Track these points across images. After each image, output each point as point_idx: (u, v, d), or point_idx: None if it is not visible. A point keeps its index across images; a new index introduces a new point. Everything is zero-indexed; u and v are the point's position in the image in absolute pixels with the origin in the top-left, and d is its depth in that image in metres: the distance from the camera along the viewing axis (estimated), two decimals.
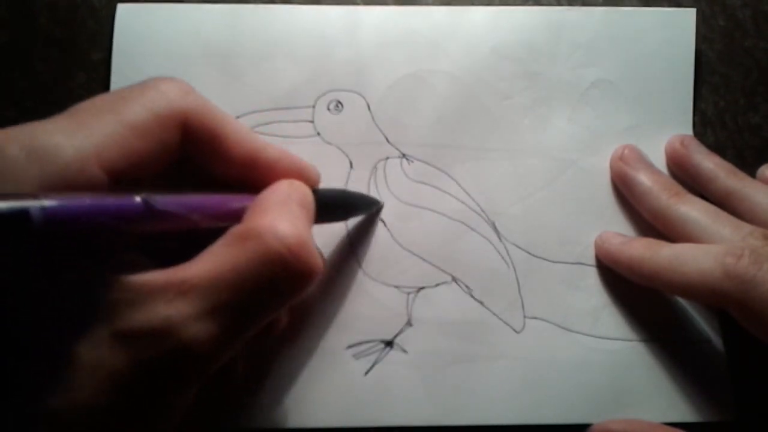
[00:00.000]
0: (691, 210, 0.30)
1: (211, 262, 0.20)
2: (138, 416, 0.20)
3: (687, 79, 0.34)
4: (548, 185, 0.33)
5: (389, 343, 0.31)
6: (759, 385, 0.32)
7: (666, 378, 0.31)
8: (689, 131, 0.34)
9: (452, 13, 0.34)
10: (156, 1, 0.34)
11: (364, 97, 0.33)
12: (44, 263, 0.20)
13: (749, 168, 0.33)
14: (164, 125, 0.22)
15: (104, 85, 0.33)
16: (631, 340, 0.32)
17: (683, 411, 0.31)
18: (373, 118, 0.33)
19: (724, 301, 0.27)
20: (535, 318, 0.32)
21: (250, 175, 0.25)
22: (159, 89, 0.23)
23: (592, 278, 0.32)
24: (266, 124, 0.33)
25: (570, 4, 0.35)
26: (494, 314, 0.32)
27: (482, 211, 0.33)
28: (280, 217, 0.22)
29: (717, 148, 0.33)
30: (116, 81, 0.33)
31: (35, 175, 0.20)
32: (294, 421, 0.30)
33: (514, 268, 0.32)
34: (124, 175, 0.21)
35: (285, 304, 0.22)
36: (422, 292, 0.32)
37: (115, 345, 0.19)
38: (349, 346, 0.31)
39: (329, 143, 0.33)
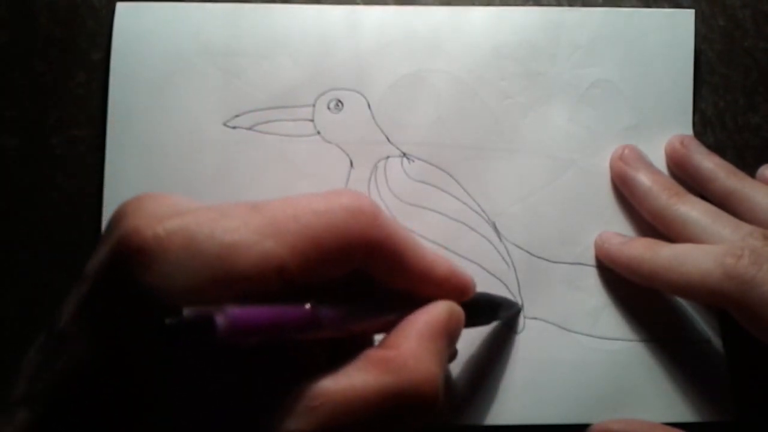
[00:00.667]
0: (691, 210, 0.30)
1: (343, 383, 0.20)
2: None
3: (687, 79, 0.34)
4: (548, 185, 0.33)
5: None
6: (759, 385, 0.32)
7: (666, 378, 0.31)
8: (689, 131, 0.34)
9: (452, 13, 0.34)
10: (156, 1, 0.34)
11: (364, 96, 0.33)
12: (221, 371, 0.20)
13: (749, 168, 0.33)
14: (349, 249, 0.21)
15: (104, 85, 0.33)
16: (630, 340, 0.32)
17: (683, 411, 0.31)
18: (373, 117, 0.33)
19: (724, 301, 0.27)
20: (535, 318, 0.32)
21: (418, 290, 0.24)
22: (353, 212, 0.22)
23: (592, 278, 0.32)
24: (266, 122, 0.33)
25: (570, 5, 0.35)
26: None
27: (482, 210, 0.33)
28: (420, 351, 0.22)
29: (717, 148, 0.33)
30: (115, 80, 0.33)
31: (222, 272, 0.19)
32: None
33: (514, 268, 0.32)
34: (295, 285, 0.21)
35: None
36: None
37: None
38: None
39: (329, 142, 0.33)
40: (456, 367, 0.31)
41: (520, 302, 0.32)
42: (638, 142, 0.33)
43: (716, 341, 0.32)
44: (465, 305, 0.25)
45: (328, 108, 0.33)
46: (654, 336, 0.32)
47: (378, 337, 0.23)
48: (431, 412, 0.22)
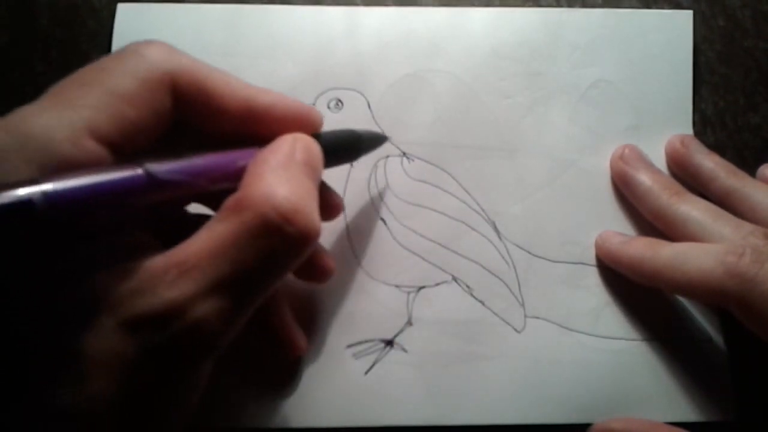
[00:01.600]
0: (692, 209, 0.30)
1: (209, 239, 0.20)
2: (153, 400, 0.20)
3: (686, 79, 0.34)
4: (548, 185, 0.33)
5: (389, 343, 0.31)
6: (760, 385, 0.32)
7: (667, 377, 0.31)
8: (689, 131, 0.34)
9: (452, 14, 0.34)
10: (156, 1, 0.34)
11: (364, 96, 0.33)
12: (48, 251, 0.19)
13: (749, 168, 0.33)
14: (152, 89, 0.22)
15: None
16: (631, 340, 0.32)
17: (684, 410, 0.31)
18: (373, 116, 0.33)
19: (725, 300, 0.27)
20: (536, 317, 0.32)
21: (250, 127, 0.24)
22: (141, 54, 0.22)
23: (592, 278, 0.32)
24: None
25: (569, 5, 0.35)
26: (495, 314, 0.32)
27: (482, 210, 0.33)
28: (276, 181, 0.21)
29: (717, 148, 0.33)
30: None
31: (30, 158, 0.19)
32: (294, 421, 0.30)
33: (514, 267, 0.32)
34: (121, 147, 0.21)
35: (287, 271, 0.22)
36: (422, 291, 0.32)
37: (122, 334, 0.19)
38: (349, 346, 0.31)
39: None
40: (456, 367, 0.31)
41: (520, 301, 0.32)
42: (638, 142, 0.33)
43: (717, 340, 0.32)
44: (323, 145, 0.24)
45: (328, 108, 0.33)
46: (655, 335, 0.32)
47: None
48: (308, 235, 0.21)
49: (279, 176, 0.22)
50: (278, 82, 0.33)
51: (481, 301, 0.32)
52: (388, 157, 0.33)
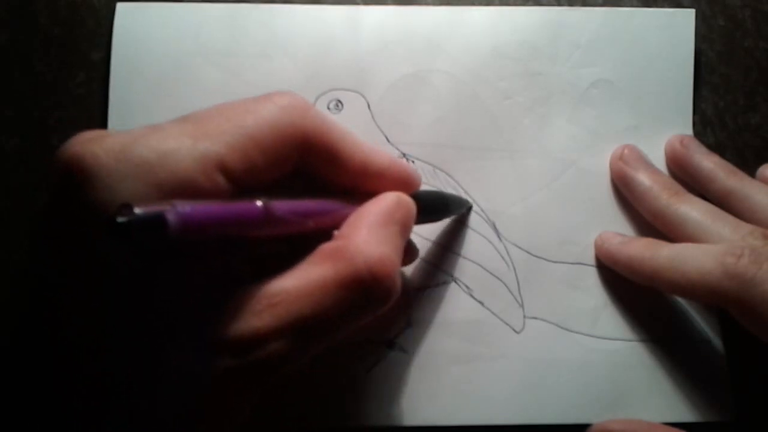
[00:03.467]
0: (691, 210, 0.30)
1: (299, 278, 0.21)
2: (212, 422, 0.21)
3: (687, 79, 0.34)
4: (548, 185, 0.33)
5: (389, 343, 0.31)
6: (758, 385, 0.32)
7: (665, 378, 0.31)
8: (689, 131, 0.34)
9: (452, 13, 0.34)
10: (156, 1, 0.34)
11: (364, 97, 0.33)
12: (171, 268, 0.20)
13: (749, 168, 0.33)
14: (285, 144, 0.23)
15: (104, 85, 0.33)
16: (630, 340, 0.32)
17: (683, 411, 0.31)
18: (373, 117, 0.33)
19: (724, 300, 0.27)
20: (535, 318, 0.32)
21: (361, 183, 0.25)
22: (280, 106, 0.23)
23: (591, 278, 0.32)
24: None
25: (570, 4, 0.35)
26: (494, 314, 0.32)
27: (482, 210, 0.33)
28: (371, 237, 0.22)
29: (717, 148, 0.33)
30: (116, 80, 0.33)
31: (163, 177, 0.20)
32: (294, 421, 0.30)
33: (514, 268, 0.32)
34: (243, 184, 0.22)
35: (360, 323, 0.23)
36: (422, 292, 0.32)
37: (207, 353, 0.20)
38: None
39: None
40: (456, 367, 0.31)
41: (520, 302, 0.32)
42: (638, 142, 0.33)
43: (716, 341, 0.32)
44: (415, 201, 0.25)
45: (328, 108, 0.33)
46: (654, 336, 0.32)
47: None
48: (389, 296, 0.22)
49: (377, 234, 0.23)
50: (278, 82, 0.33)
51: (480, 302, 0.32)
52: None
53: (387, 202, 0.24)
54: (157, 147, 0.20)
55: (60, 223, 0.20)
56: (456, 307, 0.32)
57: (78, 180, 0.20)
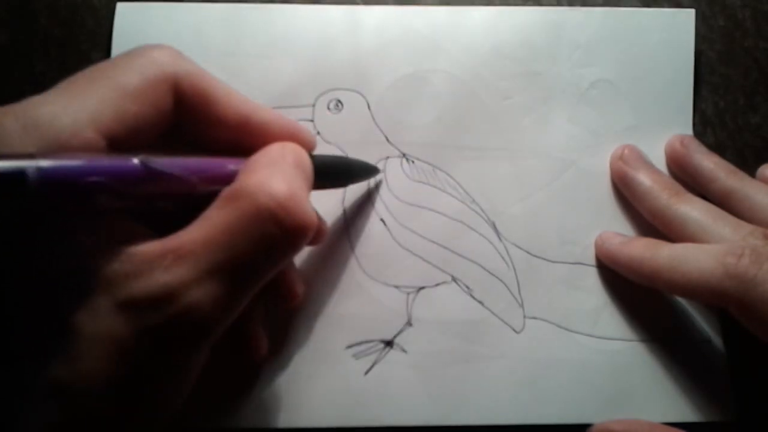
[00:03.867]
0: (692, 210, 0.30)
1: (205, 226, 0.21)
2: (145, 383, 0.20)
3: (687, 79, 0.34)
4: (548, 185, 0.33)
5: (389, 343, 0.31)
6: (759, 385, 0.32)
7: (666, 378, 0.31)
8: (689, 131, 0.34)
9: (452, 13, 0.34)
10: (156, 1, 0.34)
11: (364, 97, 0.33)
12: (42, 227, 0.20)
13: (749, 168, 0.33)
14: (156, 89, 0.23)
15: None
16: (631, 340, 0.32)
17: (683, 411, 0.31)
18: (373, 117, 0.33)
19: (725, 300, 0.27)
20: (535, 318, 0.32)
21: (245, 139, 0.25)
22: (149, 56, 0.23)
23: (592, 278, 0.32)
24: None
25: (570, 4, 0.35)
26: (494, 314, 0.32)
27: (482, 210, 0.33)
28: (271, 175, 0.22)
29: (717, 148, 0.33)
30: None
31: (31, 144, 0.20)
32: (294, 421, 0.30)
33: (514, 268, 0.32)
34: (121, 141, 0.22)
35: (283, 261, 0.22)
36: (422, 291, 0.32)
37: (117, 314, 0.19)
38: (349, 346, 0.31)
39: (329, 142, 0.33)
40: (456, 367, 0.31)
41: (520, 302, 0.32)
42: (638, 142, 0.33)
43: (717, 341, 0.32)
44: (316, 165, 0.25)
45: (328, 108, 0.33)
46: (654, 336, 0.32)
47: None
48: (305, 226, 0.22)
49: (272, 170, 0.22)
50: (278, 82, 0.33)
51: (480, 302, 0.32)
52: (387, 158, 0.33)
53: (273, 147, 0.24)
54: (25, 116, 0.20)
55: None
56: (456, 307, 0.32)
57: None
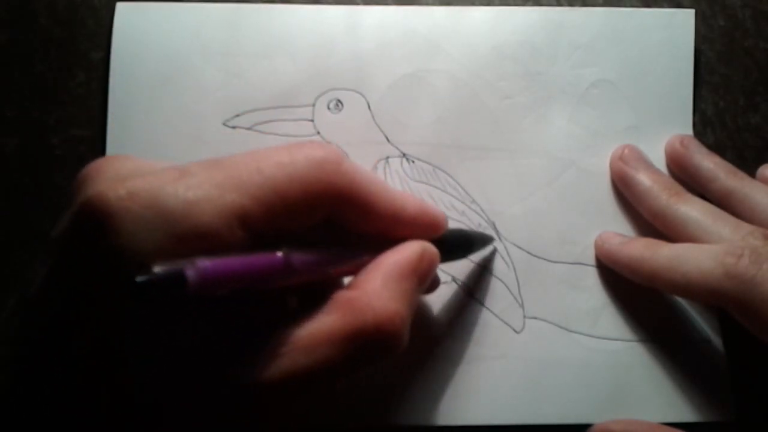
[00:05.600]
0: (691, 210, 0.30)
1: (309, 327, 0.21)
2: None
3: (687, 79, 0.34)
4: (548, 185, 0.33)
5: None
6: (759, 385, 0.32)
7: (666, 378, 0.31)
8: (689, 131, 0.34)
9: (452, 13, 0.34)
10: (156, 1, 0.34)
11: (364, 96, 0.33)
12: (191, 323, 0.20)
13: (749, 168, 0.33)
14: (313, 198, 0.22)
15: (104, 85, 0.33)
16: (630, 340, 0.32)
17: (683, 411, 0.31)
18: (373, 117, 0.33)
19: (724, 300, 0.27)
20: (535, 318, 0.32)
21: (390, 231, 0.25)
22: (315, 162, 0.22)
23: (592, 278, 0.32)
24: (266, 122, 0.33)
25: (570, 4, 0.35)
26: (494, 314, 0.32)
27: (482, 210, 0.33)
28: (385, 291, 0.22)
29: (717, 148, 0.33)
30: (115, 80, 0.33)
31: (186, 228, 0.19)
32: (293, 422, 0.30)
33: (514, 268, 0.32)
34: (261, 234, 0.21)
35: (360, 373, 0.23)
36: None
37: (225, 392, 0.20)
38: None
39: (329, 142, 0.33)
40: (456, 367, 0.31)
41: (520, 302, 0.32)
42: (638, 142, 0.33)
43: (716, 341, 0.32)
44: (438, 241, 0.25)
45: (328, 108, 0.33)
46: (654, 336, 0.32)
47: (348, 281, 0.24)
48: (394, 350, 0.22)
49: (391, 288, 0.22)
50: (278, 82, 0.33)
51: (480, 302, 0.32)
52: (388, 158, 0.33)
53: (408, 252, 0.24)
54: (185, 195, 0.20)
55: (77, 263, 0.20)
56: (456, 307, 0.32)
57: (102, 223, 0.19)
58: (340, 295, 0.22)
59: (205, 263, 0.18)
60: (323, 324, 0.21)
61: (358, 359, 0.22)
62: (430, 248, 0.25)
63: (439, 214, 0.26)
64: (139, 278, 0.17)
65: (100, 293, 0.19)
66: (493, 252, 0.32)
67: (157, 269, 0.17)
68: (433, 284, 0.29)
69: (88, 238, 0.19)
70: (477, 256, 0.32)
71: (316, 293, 0.22)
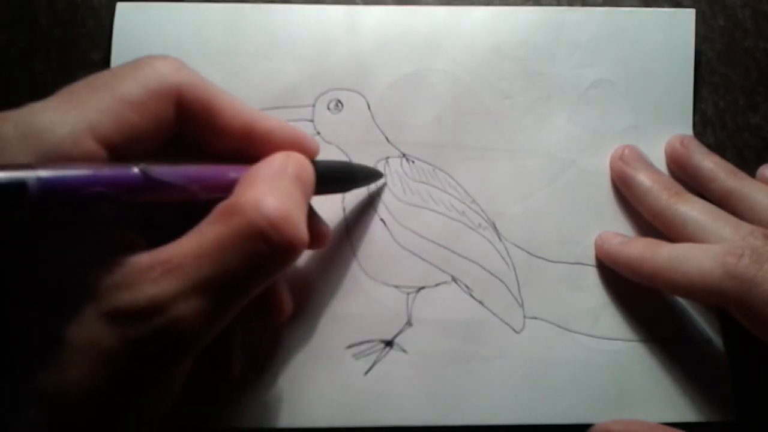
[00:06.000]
0: (691, 210, 0.30)
1: (196, 240, 0.21)
2: (129, 394, 0.20)
3: (687, 79, 0.34)
4: (548, 185, 0.33)
5: (389, 343, 0.31)
6: (759, 385, 0.32)
7: (666, 378, 0.31)
8: (689, 131, 0.34)
9: (452, 13, 0.34)
10: (156, 1, 0.34)
11: (364, 97, 0.33)
12: (39, 237, 0.20)
13: (749, 168, 0.33)
14: (158, 99, 0.23)
15: None
16: (630, 341, 0.32)
17: (683, 411, 0.31)
18: (373, 117, 0.33)
19: (725, 300, 0.27)
20: (535, 318, 0.32)
21: (248, 148, 0.25)
22: (152, 66, 0.23)
23: (592, 278, 0.32)
24: None
25: (570, 4, 0.35)
26: (494, 314, 0.32)
27: (482, 210, 0.33)
28: (267, 190, 0.22)
29: (717, 148, 0.33)
30: None
31: (30, 152, 0.20)
32: (293, 421, 0.30)
33: (514, 268, 0.32)
34: (121, 150, 0.22)
35: (269, 279, 0.22)
36: (422, 292, 0.32)
37: (103, 325, 0.20)
38: (349, 346, 0.31)
39: (329, 143, 0.33)
40: (456, 367, 0.31)
41: (520, 302, 0.32)
42: (638, 142, 0.33)
43: (717, 341, 0.32)
44: (318, 171, 0.25)
45: (328, 108, 0.33)
46: (654, 336, 0.32)
47: None
48: (294, 244, 0.22)
49: (269, 186, 0.22)
50: (278, 82, 0.33)
51: (480, 302, 0.32)
52: (388, 158, 0.33)
53: (276, 157, 0.24)
54: (24, 123, 0.20)
55: None
56: (456, 307, 0.32)
57: None
58: (221, 205, 0.22)
59: (47, 171, 0.18)
60: (209, 232, 0.21)
61: (258, 260, 0.21)
62: (296, 153, 0.25)
63: (304, 133, 0.26)
64: None
65: None
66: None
67: None
68: (322, 236, 0.29)
69: None
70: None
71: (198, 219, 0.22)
